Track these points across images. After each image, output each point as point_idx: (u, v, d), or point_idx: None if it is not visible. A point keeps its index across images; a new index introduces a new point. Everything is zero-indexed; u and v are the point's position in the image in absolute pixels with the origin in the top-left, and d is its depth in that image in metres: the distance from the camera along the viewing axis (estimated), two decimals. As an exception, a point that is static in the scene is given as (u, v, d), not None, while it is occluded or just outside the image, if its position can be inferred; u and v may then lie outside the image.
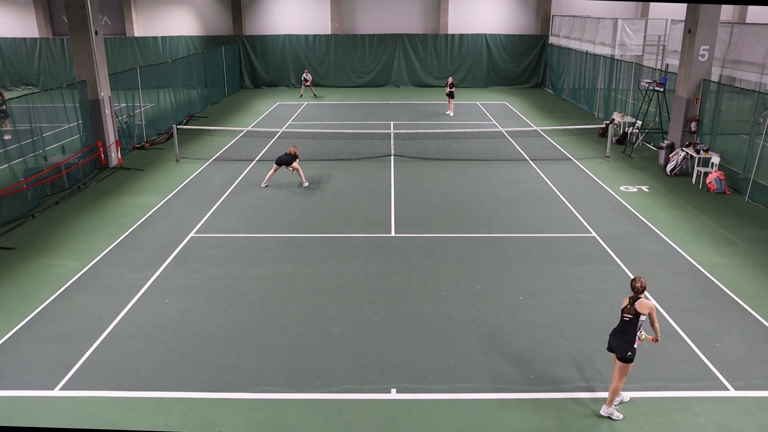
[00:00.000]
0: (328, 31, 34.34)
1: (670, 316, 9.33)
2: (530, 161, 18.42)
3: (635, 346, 6.87)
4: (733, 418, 7.14)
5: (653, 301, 6.89)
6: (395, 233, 12.73)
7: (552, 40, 33.09)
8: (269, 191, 15.51)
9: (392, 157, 18.80)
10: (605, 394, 7.51)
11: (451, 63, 34.31)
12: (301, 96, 31.05)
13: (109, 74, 18.50)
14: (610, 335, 7.14)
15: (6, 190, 13.68)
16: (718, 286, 10.38)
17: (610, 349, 7.15)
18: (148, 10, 34.90)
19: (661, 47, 26.44)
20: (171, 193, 15.50)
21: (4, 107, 19.84)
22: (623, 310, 6.96)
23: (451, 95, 25.97)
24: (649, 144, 20.56)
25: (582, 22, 28.40)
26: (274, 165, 15.81)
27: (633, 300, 6.89)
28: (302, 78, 31.30)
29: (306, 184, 15.93)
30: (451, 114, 25.95)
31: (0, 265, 11.26)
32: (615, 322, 9.10)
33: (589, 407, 7.34)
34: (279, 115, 26.44)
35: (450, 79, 26.30)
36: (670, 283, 10.44)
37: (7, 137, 17.32)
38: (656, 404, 7.37)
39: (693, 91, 17.44)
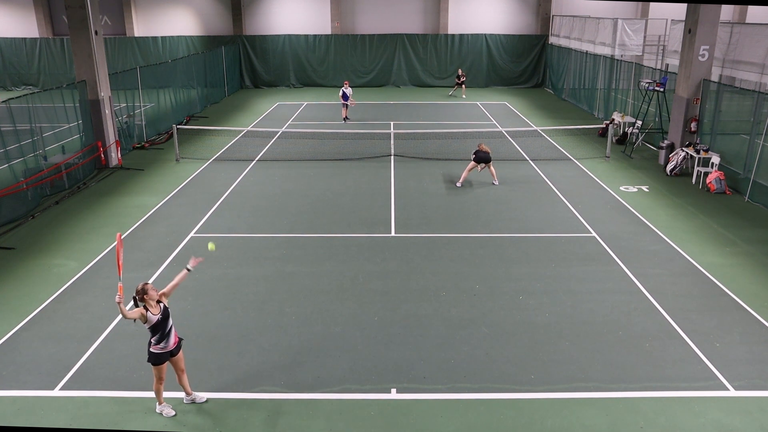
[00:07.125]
0: (328, 31, 34.35)
1: (670, 316, 9.33)
2: (530, 161, 18.42)
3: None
4: (733, 418, 7.13)
5: None
6: (395, 233, 12.73)
7: (552, 40, 33.09)
8: (269, 191, 15.50)
9: (392, 157, 18.80)
10: (606, 394, 7.52)
11: (451, 63, 34.30)
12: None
13: (109, 74, 18.50)
14: None
15: (6, 190, 13.68)
16: (718, 286, 10.38)
17: None
18: (148, 10, 34.90)
19: (661, 47, 26.44)
20: (171, 193, 15.50)
21: None
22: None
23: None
24: (649, 144, 20.56)
25: (582, 22, 28.39)
26: (472, 162, 15.79)
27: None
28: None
29: (496, 182, 16.05)
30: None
31: (0, 265, 11.27)
32: (615, 321, 9.17)
33: (589, 407, 7.33)
34: (279, 115, 26.43)
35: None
36: (670, 283, 10.44)
37: None
38: (656, 404, 7.37)
39: (693, 91, 17.44)
